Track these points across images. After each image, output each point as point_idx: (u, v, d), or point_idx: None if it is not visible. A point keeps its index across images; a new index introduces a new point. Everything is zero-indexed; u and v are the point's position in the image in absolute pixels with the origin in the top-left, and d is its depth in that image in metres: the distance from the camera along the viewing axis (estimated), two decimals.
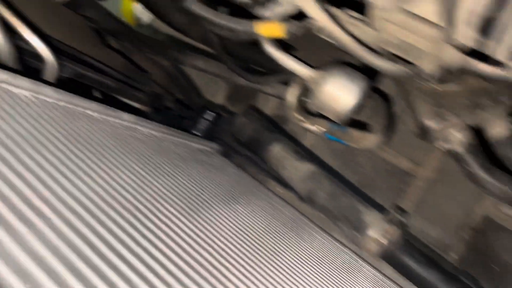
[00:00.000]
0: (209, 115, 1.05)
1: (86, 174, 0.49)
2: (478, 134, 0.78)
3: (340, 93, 0.73)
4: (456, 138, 0.76)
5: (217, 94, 1.34)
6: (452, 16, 0.33)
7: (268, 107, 1.30)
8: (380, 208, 1.02)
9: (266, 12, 0.46)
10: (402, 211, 0.98)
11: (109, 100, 0.83)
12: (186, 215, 0.58)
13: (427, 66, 0.47)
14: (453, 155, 0.77)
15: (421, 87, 0.78)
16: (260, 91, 1.04)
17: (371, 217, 0.92)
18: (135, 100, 0.88)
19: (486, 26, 0.33)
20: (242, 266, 0.52)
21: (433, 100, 0.77)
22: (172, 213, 0.54)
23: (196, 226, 0.55)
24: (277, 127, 1.17)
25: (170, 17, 0.95)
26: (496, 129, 0.75)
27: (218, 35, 0.90)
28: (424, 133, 0.80)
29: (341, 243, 0.97)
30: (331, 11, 0.50)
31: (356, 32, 0.50)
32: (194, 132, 1.04)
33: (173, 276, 0.41)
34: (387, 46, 0.49)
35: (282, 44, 0.87)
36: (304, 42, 0.87)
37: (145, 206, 0.51)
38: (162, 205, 0.55)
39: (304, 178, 0.97)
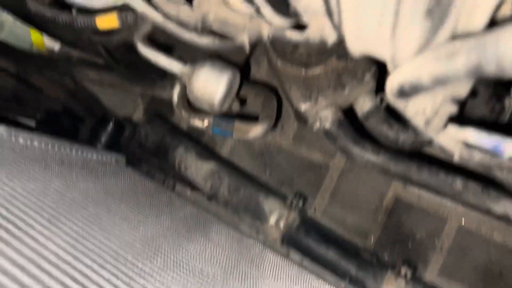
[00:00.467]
0: (110, 126, 1.05)
1: None
2: (348, 112, 0.83)
3: (209, 84, 0.76)
4: (326, 117, 0.80)
5: (135, 111, 1.35)
6: None
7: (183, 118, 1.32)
8: (281, 197, 1.04)
9: (93, 2, 0.49)
10: (301, 196, 1.01)
11: None
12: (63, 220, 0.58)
13: (244, 39, 0.51)
14: (326, 133, 0.81)
15: (292, 74, 0.83)
16: (156, 97, 1.06)
17: (270, 205, 0.95)
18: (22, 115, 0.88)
19: None
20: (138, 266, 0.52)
21: (303, 85, 0.82)
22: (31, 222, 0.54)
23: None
24: (192, 139, 1.19)
25: (61, 36, 0.96)
26: (361, 104, 0.80)
27: (104, 46, 0.92)
28: (300, 117, 0.84)
29: (248, 236, 0.98)
30: None
31: (177, 14, 0.53)
32: (95, 143, 1.04)
33: None
34: (206, 24, 0.52)
35: (158, 45, 0.89)
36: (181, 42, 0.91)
37: None
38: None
39: (206, 176, 0.99)
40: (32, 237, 0.49)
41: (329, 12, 0.33)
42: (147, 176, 1.07)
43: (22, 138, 0.78)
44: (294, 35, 0.50)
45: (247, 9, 0.41)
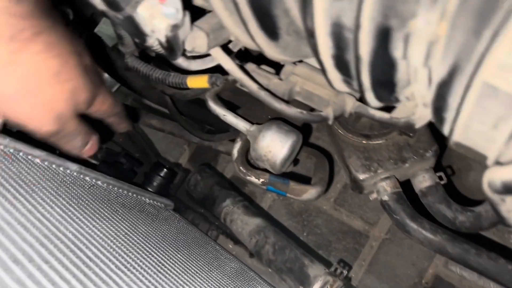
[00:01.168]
0: (163, 172, 1.09)
1: (21, 214, 0.51)
2: (405, 184, 0.84)
3: (274, 145, 0.79)
4: (385, 189, 0.81)
5: (180, 156, 1.39)
6: (321, 61, 0.40)
7: (228, 169, 1.35)
8: (325, 263, 1.04)
9: (191, 65, 0.53)
10: (345, 264, 1.00)
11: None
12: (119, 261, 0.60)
13: (329, 112, 0.54)
14: (383, 205, 0.82)
15: (353, 143, 0.85)
16: (213, 150, 1.10)
17: (314, 270, 0.94)
18: None
19: (346, 67, 0.39)
20: None
21: (362, 155, 0.84)
22: (103, 256, 0.56)
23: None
24: (234, 188, 1.21)
25: (129, 82, 1.03)
26: (420, 180, 0.81)
27: (170, 96, 0.98)
28: (357, 186, 0.85)
29: None
30: (246, 65, 0.58)
31: (267, 84, 0.57)
32: (147, 187, 1.07)
33: None
34: (292, 94, 0.56)
35: (226, 103, 0.94)
36: (248, 101, 0.96)
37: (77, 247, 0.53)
38: (94, 248, 0.57)
39: (252, 232, 1.00)
40: (106, 283, 0.51)
41: (439, 106, 0.35)
42: (192, 223, 1.09)
43: (88, 177, 0.81)
44: (378, 114, 0.53)
45: (345, 88, 0.44)
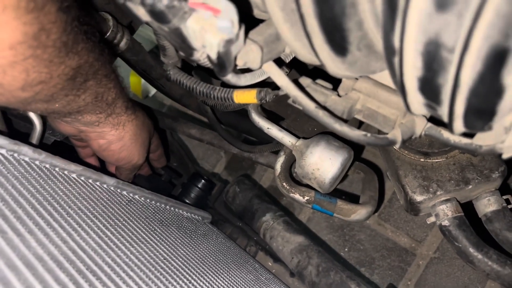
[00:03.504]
0: (201, 183, 1.04)
1: (59, 236, 0.48)
2: (467, 208, 0.76)
3: (323, 163, 0.72)
4: (444, 212, 0.74)
5: (217, 164, 1.35)
6: (402, 82, 0.34)
7: (265, 178, 1.30)
8: (367, 281, 0.96)
9: (241, 80, 0.48)
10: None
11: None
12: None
13: (397, 134, 0.47)
14: (442, 230, 0.74)
15: (409, 161, 0.78)
16: (252, 161, 1.05)
17: None
18: None
19: (434, 92, 0.33)
20: None
21: (420, 174, 0.76)
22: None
23: None
24: (271, 199, 1.16)
25: (167, 90, 0.99)
26: (485, 204, 0.73)
27: (210, 106, 0.93)
28: (413, 208, 0.78)
29: None
30: (299, 79, 0.52)
31: (324, 101, 0.50)
32: (185, 199, 1.03)
33: None
34: (352, 113, 0.49)
35: (270, 114, 0.88)
36: (293, 113, 0.90)
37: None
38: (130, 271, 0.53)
39: (293, 251, 0.94)
40: None
41: None
42: (230, 238, 1.04)
43: (126, 191, 0.78)
44: (455, 139, 0.45)
45: (424, 112, 0.37)
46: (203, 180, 1.04)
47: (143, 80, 1.20)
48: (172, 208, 0.89)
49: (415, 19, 0.26)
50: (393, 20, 0.28)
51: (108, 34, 0.75)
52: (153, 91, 1.52)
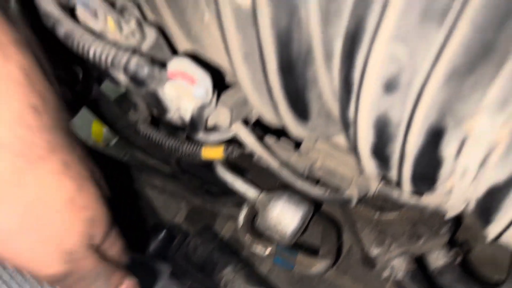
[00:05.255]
0: (162, 235, 1.04)
1: None
2: (420, 261, 0.80)
3: (284, 216, 0.75)
4: (399, 266, 0.77)
5: (177, 214, 1.34)
6: (356, 149, 0.38)
7: (226, 229, 1.30)
8: None
9: (209, 138, 0.51)
10: None
11: None
12: None
13: (354, 192, 0.51)
14: (397, 284, 0.77)
15: (365, 215, 0.82)
16: (215, 212, 1.06)
17: None
18: None
19: (384, 159, 0.37)
20: None
21: (376, 228, 0.80)
22: None
23: None
24: (232, 250, 1.16)
25: (132, 139, 1.00)
26: (435, 258, 0.77)
27: (175, 157, 0.95)
28: (369, 261, 0.81)
29: None
30: (264, 138, 0.56)
31: (287, 159, 0.54)
32: (143, 251, 1.02)
33: None
34: (312, 171, 0.53)
35: (235, 168, 0.91)
36: (256, 165, 0.93)
37: None
38: None
39: None
40: None
41: (487, 208, 0.33)
42: None
43: None
44: (404, 197, 0.50)
45: (377, 175, 0.41)
46: (163, 232, 1.04)
47: (105, 129, 1.20)
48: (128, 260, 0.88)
49: (367, 98, 0.31)
50: (348, 97, 0.32)
51: (77, 86, 0.77)
52: (114, 139, 1.52)
